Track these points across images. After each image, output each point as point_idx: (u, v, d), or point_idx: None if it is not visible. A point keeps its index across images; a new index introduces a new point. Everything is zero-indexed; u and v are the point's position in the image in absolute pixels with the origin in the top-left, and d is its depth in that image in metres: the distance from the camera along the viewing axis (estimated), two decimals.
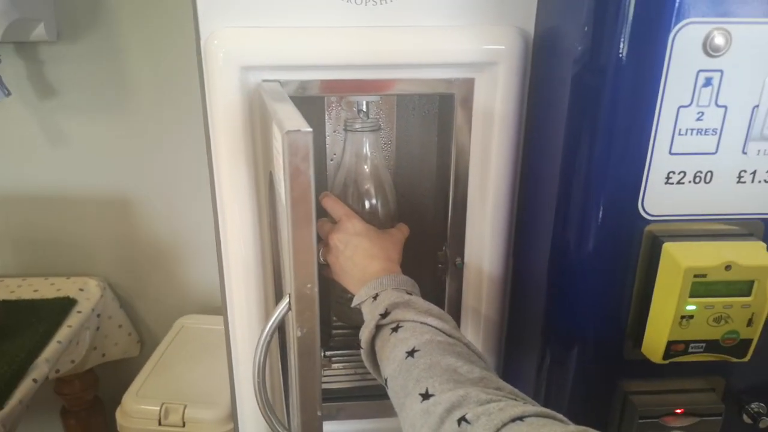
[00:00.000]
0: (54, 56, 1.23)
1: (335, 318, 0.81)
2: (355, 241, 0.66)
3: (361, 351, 0.59)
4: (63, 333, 1.20)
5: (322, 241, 0.71)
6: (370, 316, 0.58)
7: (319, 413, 0.50)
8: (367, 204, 0.74)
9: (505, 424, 0.42)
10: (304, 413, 0.50)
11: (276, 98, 0.52)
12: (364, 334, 0.58)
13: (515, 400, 0.46)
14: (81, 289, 1.34)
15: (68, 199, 1.36)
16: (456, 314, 0.72)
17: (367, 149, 0.73)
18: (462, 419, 0.44)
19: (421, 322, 0.55)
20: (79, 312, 1.27)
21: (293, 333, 0.48)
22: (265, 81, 0.60)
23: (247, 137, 0.61)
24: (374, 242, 0.67)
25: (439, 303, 0.75)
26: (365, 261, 0.65)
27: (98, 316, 1.34)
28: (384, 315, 0.57)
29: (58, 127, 1.29)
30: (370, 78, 0.62)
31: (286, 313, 0.49)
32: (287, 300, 0.48)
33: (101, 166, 1.33)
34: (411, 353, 0.52)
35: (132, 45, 1.23)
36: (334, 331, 0.87)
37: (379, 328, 0.58)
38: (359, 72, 0.61)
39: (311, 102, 0.79)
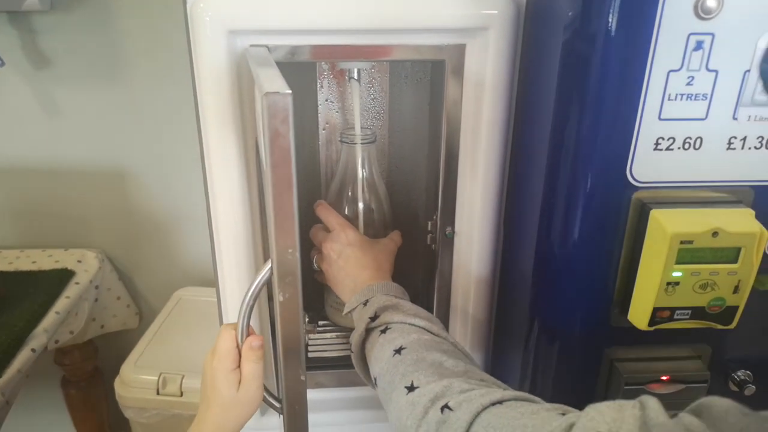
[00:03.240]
0: (47, 26, 1.22)
1: (330, 321, 0.82)
2: (347, 251, 0.68)
3: (351, 355, 0.61)
4: (61, 304, 1.21)
5: (316, 248, 0.73)
6: (360, 321, 0.60)
7: (302, 378, 0.51)
8: (361, 213, 0.76)
9: (485, 408, 0.44)
10: (288, 378, 0.50)
11: (260, 63, 0.52)
12: (354, 338, 0.60)
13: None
14: (79, 261, 1.35)
15: (65, 170, 1.36)
16: (447, 284, 0.72)
17: (362, 161, 0.74)
18: (445, 407, 0.46)
19: (409, 324, 0.57)
20: (77, 283, 1.28)
21: (276, 298, 0.48)
22: (252, 46, 0.59)
23: (235, 104, 0.60)
24: (366, 252, 0.68)
25: (430, 274, 0.76)
26: (356, 271, 0.67)
27: (97, 287, 1.35)
28: (373, 318, 0.59)
29: (53, 97, 1.28)
30: (361, 43, 0.61)
31: (268, 279, 0.49)
32: (269, 265, 0.48)
33: (97, 137, 1.32)
34: (398, 351, 0.54)
35: (126, 14, 1.22)
36: None
37: (368, 331, 0.59)
38: (349, 37, 0.61)
39: (303, 71, 0.78)
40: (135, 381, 1.21)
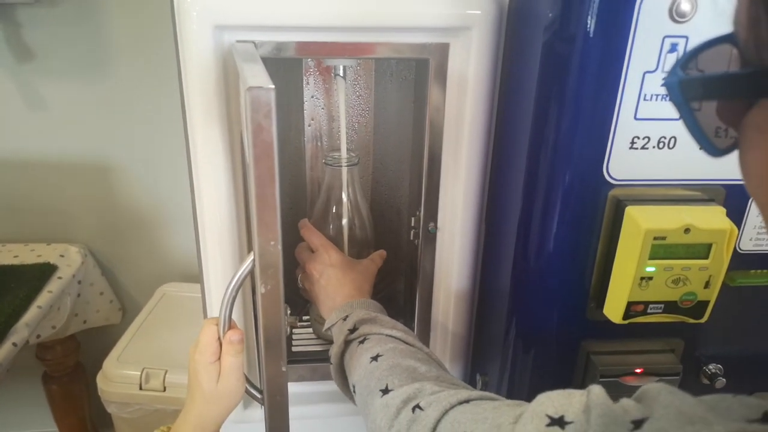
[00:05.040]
0: (32, 19, 1.21)
1: (314, 335, 0.84)
2: (329, 271, 0.71)
3: (330, 367, 0.63)
4: (43, 298, 1.21)
5: (301, 266, 0.76)
6: (339, 334, 0.63)
7: (283, 369, 0.52)
8: (345, 232, 0.78)
9: (453, 406, 0.47)
10: (269, 368, 0.51)
11: (246, 58, 0.52)
12: (334, 350, 0.62)
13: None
14: (61, 256, 1.34)
15: (48, 164, 1.35)
16: (429, 278, 0.74)
17: (345, 182, 0.76)
18: (416, 407, 0.48)
19: (386, 335, 0.60)
20: (59, 278, 1.28)
21: (257, 289, 0.49)
22: (239, 41, 0.60)
23: (221, 99, 0.61)
24: (347, 273, 0.71)
25: (413, 269, 0.77)
26: (337, 290, 0.69)
27: (79, 282, 1.35)
28: (352, 330, 0.61)
29: (37, 91, 1.27)
30: (346, 41, 0.62)
31: (250, 271, 0.50)
32: (252, 257, 0.49)
33: (81, 131, 1.32)
34: (375, 358, 0.56)
35: (112, 8, 1.22)
36: None
37: (347, 343, 0.62)
38: (335, 34, 0.61)
39: (289, 67, 0.79)
40: (118, 376, 1.21)
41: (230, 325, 0.56)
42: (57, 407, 1.48)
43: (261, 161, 0.44)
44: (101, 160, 1.35)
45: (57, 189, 1.38)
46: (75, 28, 1.22)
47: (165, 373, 1.20)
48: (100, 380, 1.22)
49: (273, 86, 0.42)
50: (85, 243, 1.42)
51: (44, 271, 1.27)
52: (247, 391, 0.58)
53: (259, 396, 0.58)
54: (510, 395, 0.66)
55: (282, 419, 0.55)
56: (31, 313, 1.16)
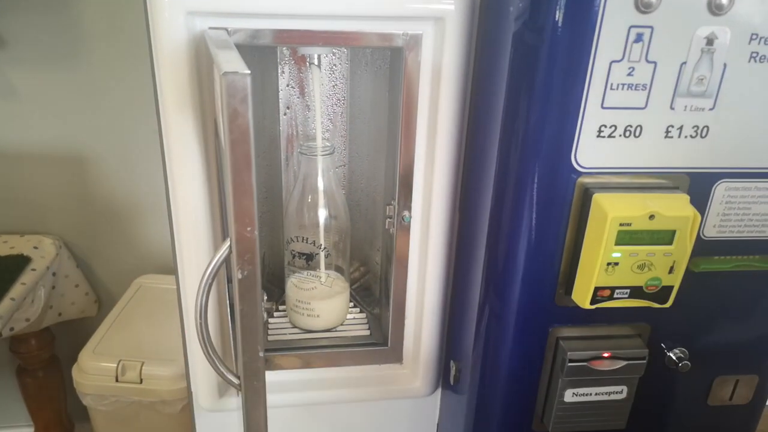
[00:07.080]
0: (2, 6, 1.19)
1: (291, 324, 0.83)
2: None
3: None
4: (17, 290, 1.20)
5: None
6: None
7: (261, 354, 0.52)
8: (321, 221, 0.78)
9: None
10: (246, 353, 0.51)
11: (219, 45, 0.52)
12: None
13: None
14: (35, 247, 1.33)
15: (20, 155, 1.33)
16: (404, 267, 0.74)
17: (321, 172, 0.77)
18: None
19: None
20: (33, 270, 1.26)
21: (234, 275, 0.49)
22: (211, 28, 0.59)
23: (194, 86, 0.61)
24: None
25: (389, 258, 0.77)
26: None
27: (54, 274, 1.34)
28: None
29: (8, 80, 1.25)
30: (320, 29, 0.62)
31: (227, 257, 0.50)
32: (228, 243, 0.49)
33: (54, 121, 1.30)
34: None
35: None
36: None
37: None
38: (309, 22, 0.61)
39: (264, 55, 0.79)
40: (93, 368, 1.20)
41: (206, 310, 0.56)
42: (32, 401, 1.47)
43: (237, 146, 0.45)
44: (75, 151, 1.34)
45: (30, 180, 1.36)
46: (47, 15, 1.20)
47: (141, 365, 1.19)
48: (76, 373, 1.21)
49: (248, 71, 0.43)
50: (60, 235, 1.40)
51: (18, 263, 1.25)
52: (224, 378, 0.58)
53: (236, 382, 0.58)
54: (482, 381, 0.67)
55: (260, 403, 0.55)
56: (4, 306, 1.15)
